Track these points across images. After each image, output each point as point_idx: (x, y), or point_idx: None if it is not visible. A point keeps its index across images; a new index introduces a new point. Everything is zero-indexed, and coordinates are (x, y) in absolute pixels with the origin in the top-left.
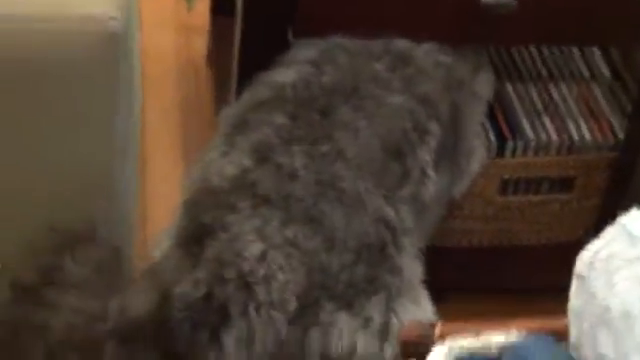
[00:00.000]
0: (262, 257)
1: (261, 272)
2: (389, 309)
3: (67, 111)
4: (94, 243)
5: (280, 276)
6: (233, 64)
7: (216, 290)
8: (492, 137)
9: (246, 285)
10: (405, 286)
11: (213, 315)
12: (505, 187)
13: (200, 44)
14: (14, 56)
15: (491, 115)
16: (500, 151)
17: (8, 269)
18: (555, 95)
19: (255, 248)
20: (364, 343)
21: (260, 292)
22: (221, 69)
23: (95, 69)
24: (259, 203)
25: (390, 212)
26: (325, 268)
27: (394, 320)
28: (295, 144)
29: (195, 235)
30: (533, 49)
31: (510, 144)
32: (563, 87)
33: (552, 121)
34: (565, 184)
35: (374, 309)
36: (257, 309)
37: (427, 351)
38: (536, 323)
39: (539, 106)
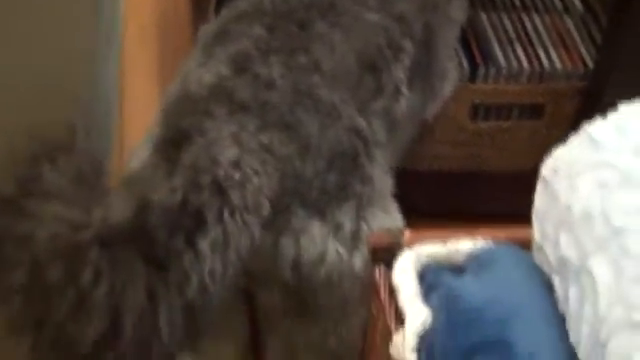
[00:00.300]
0: (237, 162)
1: (236, 177)
2: (360, 217)
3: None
4: (73, 152)
5: (255, 180)
6: None
7: (191, 196)
8: (465, 63)
9: (221, 190)
10: (376, 196)
11: (189, 221)
12: (476, 113)
13: None
14: None
15: (464, 42)
16: (472, 77)
17: None
18: (528, 25)
19: (230, 153)
20: (334, 250)
21: (234, 197)
22: None
23: None
24: (236, 110)
25: (363, 123)
26: (299, 174)
27: (364, 228)
28: (273, 55)
29: (173, 140)
30: None
31: (482, 70)
32: (536, 18)
33: (524, 50)
34: (535, 111)
35: (345, 216)
36: (232, 214)
37: (395, 257)
38: (502, 232)
39: (512, 35)
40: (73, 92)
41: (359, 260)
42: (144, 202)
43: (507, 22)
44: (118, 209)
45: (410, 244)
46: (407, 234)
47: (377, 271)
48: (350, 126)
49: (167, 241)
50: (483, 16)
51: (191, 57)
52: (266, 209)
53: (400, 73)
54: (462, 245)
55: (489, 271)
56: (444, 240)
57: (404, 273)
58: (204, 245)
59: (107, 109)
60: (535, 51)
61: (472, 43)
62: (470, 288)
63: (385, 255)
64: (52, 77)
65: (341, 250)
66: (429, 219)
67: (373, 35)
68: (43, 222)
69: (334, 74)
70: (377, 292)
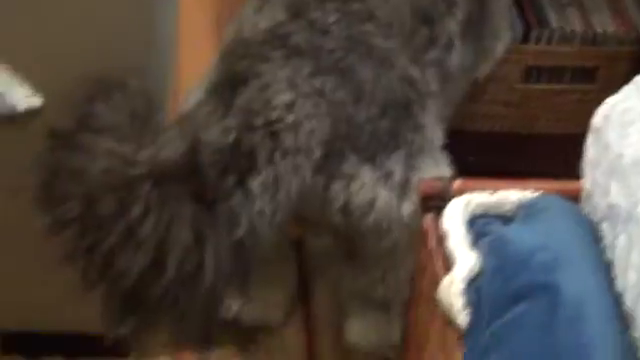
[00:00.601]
0: (290, 105)
1: (289, 120)
2: (409, 166)
3: None
4: (128, 90)
5: (307, 124)
6: None
7: (244, 137)
8: (518, 24)
9: (273, 133)
10: (426, 145)
11: (240, 161)
12: (528, 75)
13: None
14: None
15: (518, 4)
16: (525, 38)
17: (46, 118)
18: None
19: (284, 97)
20: (384, 197)
21: (287, 139)
22: None
23: None
24: (291, 53)
25: (416, 72)
26: (351, 119)
27: (414, 176)
28: (328, 1)
29: (228, 83)
30: None
31: (535, 32)
32: None
33: (577, 13)
34: (587, 75)
35: (395, 164)
36: (283, 155)
37: (445, 205)
38: (551, 184)
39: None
40: (132, 35)
41: (408, 208)
42: (196, 141)
43: None
44: (170, 147)
45: (460, 193)
46: (457, 182)
47: (427, 219)
48: (403, 74)
49: (217, 180)
50: None
51: (247, 3)
52: (318, 152)
53: (453, 26)
54: (511, 195)
55: (537, 219)
56: (493, 189)
57: (453, 220)
58: (254, 185)
59: (164, 52)
60: (588, 14)
61: (526, 5)
62: (519, 234)
63: (435, 203)
64: (111, 20)
65: (391, 197)
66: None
67: None
68: (97, 157)
69: (388, 23)
70: (426, 240)
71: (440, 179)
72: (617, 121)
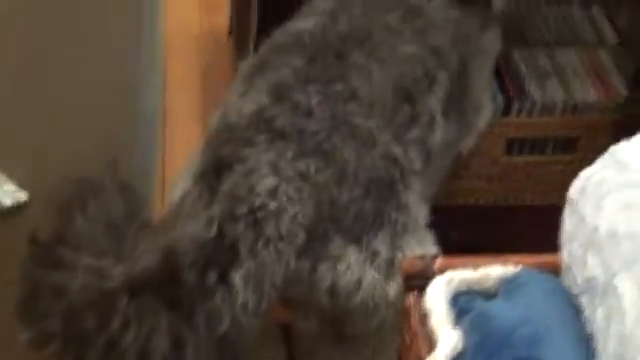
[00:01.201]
0: (274, 191)
1: (272, 206)
2: (395, 245)
3: (94, 29)
4: (105, 197)
5: (290, 209)
6: (251, 27)
7: (227, 229)
8: (499, 97)
9: (256, 221)
10: (411, 224)
11: (223, 255)
12: (511, 147)
13: (222, 16)
14: None
15: (498, 76)
16: (506, 111)
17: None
18: (561, 58)
19: (268, 182)
20: (370, 277)
21: (269, 227)
22: (242, 39)
23: None
24: (274, 137)
25: (399, 151)
26: (335, 201)
27: (400, 256)
28: (311, 84)
29: (213, 168)
30: (538, 17)
31: (516, 104)
32: (569, 51)
33: (557, 83)
34: (569, 145)
35: (381, 244)
36: (266, 244)
37: (428, 283)
38: (532, 258)
39: (545, 68)
40: (115, 125)
41: (394, 288)
42: (172, 248)
43: (540, 56)
44: (146, 257)
45: (442, 270)
46: (439, 260)
47: (410, 297)
48: (386, 153)
49: (198, 281)
50: (516, 51)
51: (231, 89)
52: (301, 237)
53: (435, 103)
54: (493, 270)
55: (519, 294)
56: (475, 266)
57: (435, 298)
58: (237, 279)
59: (149, 145)
60: (568, 84)
61: (506, 77)
62: (501, 310)
63: (417, 281)
64: (95, 110)
65: (377, 277)
66: (465, 254)
67: (409, 65)
68: (76, 273)
69: (370, 102)
70: (409, 318)
71: (422, 257)
72: (592, 193)
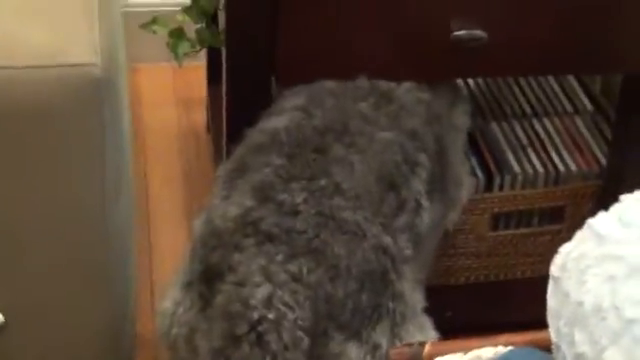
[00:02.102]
0: (269, 300)
1: (270, 317)
2: (395, 335)
3: (54, 156)
4: None
5: (289, 315)
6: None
7: (232, 354)
8: (479, 173)
9: (259, 337)
10: (409, 312)
11: None
12: (496, 222)
13: (200, 114)
14: (2, 104)
15: (477, 152)
16: (488, 186)
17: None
18: (539, 130)
19: (262, 291)
20: None
21: (272, 339)
22: (220, 135)
23: (80, 115)
24: (263, 240)
25: (389, 240)
26: (331, 298)
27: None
28: (294, 181)
29: (204, 277)
30: (515, 87)
31: (497, 179)
32: (546, 122)
33: (537, 154)
34: (555, 215)
35: (381, 337)
36: (273, 359)
37: None
38: (524, 336)
39: (524, 141)
40: (88, 233)
41: None
42: None
43: (518, 128)
44: None
45: (431, 357)
46: (427, 347)
47: None
48: (376, 245)
49: None
50: (494, 125)
51: (213, 194)
52: (306, 342)
53: (419, 186)
54: (484, 352)
55: None
56: (465, 350)
57: None
58: None
59: (122, 262)
60: (549, 155)
61: (485, 152)
62: None
63: None
64: (61, 236)
65: None
66: (461, 332)
67: (389, 153)
68: None
69: (356, 195)
70: None
71: (410, 345)
72: (574, 269)
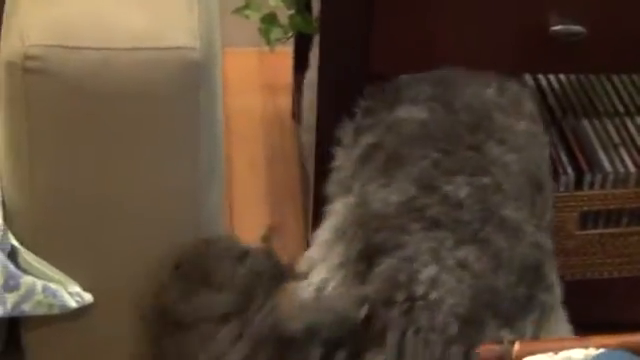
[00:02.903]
0: (435, 280)
1: (432, 296)
2: (540, 327)
3: (150, 139)
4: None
5: (448, 300)
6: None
7: (380, 312)
8: (570, 170)
9: (411, 309)
10: (555, 303)
11: (365, 338)
12: (585, 221)
13: (285, 101)
14: (97, 88)
15: (568, 149)
16: (578, 184)
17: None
18: (632, 128)
19: (430, 271)
20: None
21: (424, 317)
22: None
23: (177, 98)
24: (430, 226)
25: (541, 237)
26: (492, 289)
27: (542, 336)
28: (457, 175)
29: (365, 254)
30: (608, 85)
31: (588, 177)
32: (639, 121)
33: (629, 153)
34: None
35: (529, 326)
36: (416, 333)
37: None
38: (614, 339)
39: (616, 139)
40: (179, 216)
41: None
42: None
43: (610, 127)
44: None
45: (521, 356)
46: (517, 346)
47: None
48: (533, 242)
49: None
50: (585, 122)
51: (366, 181)
52: (454, 328)
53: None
54: (574, 354)
55: None
56: (555, 350)
57: None
58: None
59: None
60: None
61: (576, 150)
62: None
63: None
64: (153, 217)
65: None
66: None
67: (538, 150)
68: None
69: (514, 196)
70: None
71: (500, 343)
72: None
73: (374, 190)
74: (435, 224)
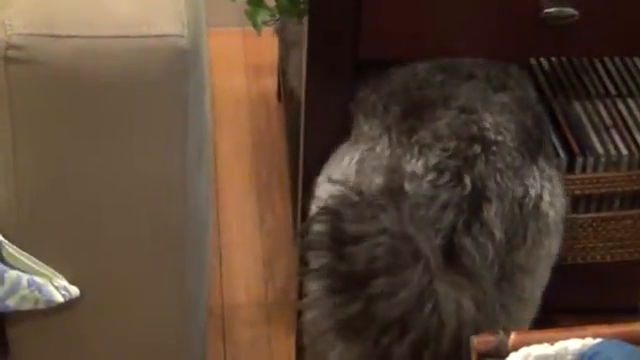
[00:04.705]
0: (496, 126)
1: (499, 139)
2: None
3: (138, 126)
4: None
5: (508, 140)
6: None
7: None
8: (562, 153)
9: (488, 153)
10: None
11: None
12: (576, 204)
13: (271, 81)
14: (82, 77)
15: (560, 131)
16: (570, 167)
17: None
18: (623, 110)
19: (489, 119)
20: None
21: (499, 160)
22: (291, 105)
23: (164, 86)
24: (466, 79)
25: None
26: (525, 127)
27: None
28: None
29: (412, 111)
30: (600, 67)
31: (580, 160)
32: (631, 103)
33: (621, 136)
34: (638, 199)
35: (544, 162)
36: (498, 171)
37: None
38: (612, 329)
39: (608, 122)
40: (168, 200)
41: None
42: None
43: (602, 109)
44: None
45: (516, 347)
46: (513, 336)
47: None
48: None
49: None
50: (577, 104)
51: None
52: (518, 161)
53: None
54: (570, 344)
55: None
56: (551, 341)
57: None
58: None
59: (199, 227)
60: (633, 137)
61: (567, 133)
62: None
63: (490, 358)
64: (141, 206)
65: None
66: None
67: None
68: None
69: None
70: None
71: (495, 334)
72: None
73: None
74: (469, 77)
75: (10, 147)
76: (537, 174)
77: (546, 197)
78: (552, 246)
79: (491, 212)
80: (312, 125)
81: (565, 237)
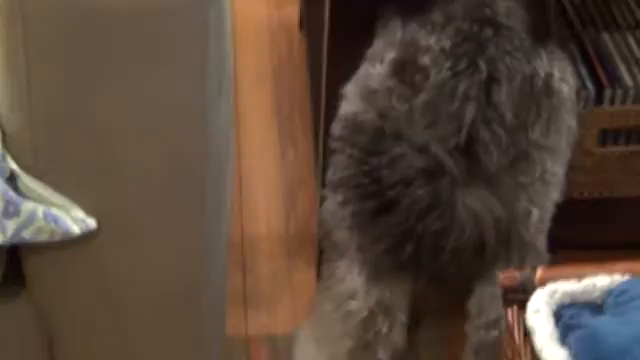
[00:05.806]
0: (509, 9)
1: (510, 23)
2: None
3: (158, 56)
4: None
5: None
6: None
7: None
8: (590, 85)
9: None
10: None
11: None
12: (604, 137)
13: (292, 9)
14: (100, 3)
15: (588, 63)
16: (598, 100)
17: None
18: None
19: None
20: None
21: (506, 43)
22: (313, 34)
23: (185, 14)
24: None
25: None
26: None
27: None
28: None
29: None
30: None
31: (608, 92)
32: None
33: None
34: None
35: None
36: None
37: (529, 297)
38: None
39: (637, 54)
40: (182, 150)
41: None
42: None
43: (632, 41)
44: None
45: (543, 282)
46: (539, 272)
47: (510, 312)
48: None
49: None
50: (606, 35)
51: None
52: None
53: None
54: (598, 281)
55: (630, 308)
56: (578, 276)
57: (538, 314)
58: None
59: (219, 158)
60: None
61: (596, 64)
62: (612, 327)
63: (517, 295)
64: (160, 135)
65: None
66: (563, 249)
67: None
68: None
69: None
70: (512, 334)
71: (521, 270)
72: None
73: None
74: None
75: (24, 73)
76: (545, 56)
77: (556, 74)
78: (570, 121)
79: (502, 95)
80: (334, 58)
81: (592, 170)
